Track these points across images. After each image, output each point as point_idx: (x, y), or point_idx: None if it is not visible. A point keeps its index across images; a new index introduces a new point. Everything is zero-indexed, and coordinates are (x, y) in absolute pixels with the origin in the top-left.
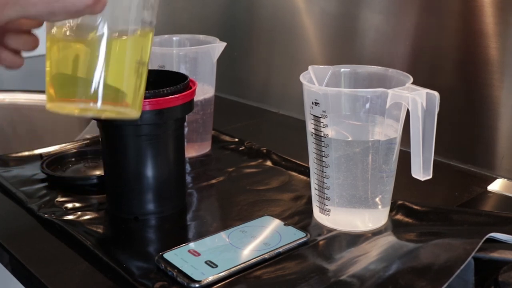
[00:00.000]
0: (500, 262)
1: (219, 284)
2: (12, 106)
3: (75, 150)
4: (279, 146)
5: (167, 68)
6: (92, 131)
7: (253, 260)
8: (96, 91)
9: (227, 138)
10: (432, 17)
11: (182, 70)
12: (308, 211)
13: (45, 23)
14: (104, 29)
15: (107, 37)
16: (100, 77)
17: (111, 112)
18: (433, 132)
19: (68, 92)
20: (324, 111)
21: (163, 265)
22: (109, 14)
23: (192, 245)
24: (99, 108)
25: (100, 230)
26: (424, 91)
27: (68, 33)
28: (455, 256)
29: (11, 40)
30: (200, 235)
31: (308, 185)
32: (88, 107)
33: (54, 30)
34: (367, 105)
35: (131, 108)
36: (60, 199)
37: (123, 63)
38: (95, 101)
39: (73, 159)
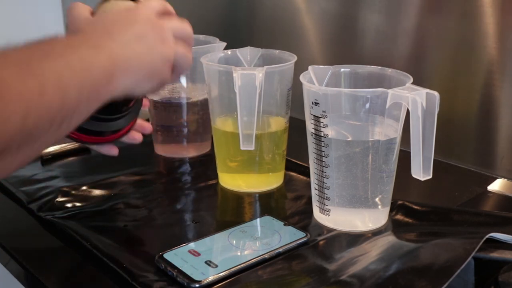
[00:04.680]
0: (500, 262)
1: (219, 284)
2: None
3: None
4: None
5: None
6: None
7: (253, 260)
8: None
9: None
10: (432, 17)
11: None
12: (308, 211)
13: None
14: None
15: None
16: None
17: None
18: (433, 132)
19: None
20: (324, 111)
21: (163, 265)
22: None
23: (192, 245)
24: None
25: (100, 230)
26: (424, 91)
27: None
28: (455, 256)
29: None
30: (200, 235)
31: (308, 185)
32: None
33: None
34: (367, 105)
35: None
36: (60, 199)
37: None
38: None
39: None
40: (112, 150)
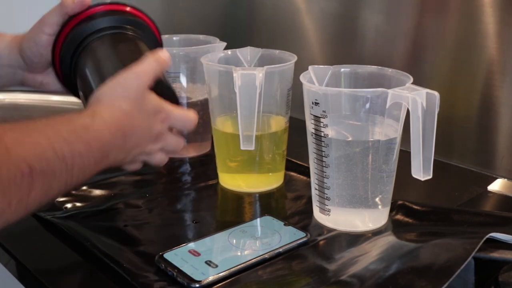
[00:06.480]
0: (500, 262)
1: (219, 284)
2: (12, 106)
3: None
4: None
5: (167, 69)
6: None
7: (253, 260)
8: None
9: None
10: (432, 17)
11: (182, 70)
12: (308, 211)
13: None
14: None
15: None
16: None
17: None
18: (433, 132)
19: None
20: (324, 111)
21: (163, 265)
22: None
23: (192, 245)
24: None
25: (100, 230)
26: (424, 91)
27: None
28: (455, 256)
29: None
30: (200, 235)
31: (308, 185)
32: None
33: None
34: (367, 105)
35: None
36: (60, 199)
37: None
38: None
39: None
40: None
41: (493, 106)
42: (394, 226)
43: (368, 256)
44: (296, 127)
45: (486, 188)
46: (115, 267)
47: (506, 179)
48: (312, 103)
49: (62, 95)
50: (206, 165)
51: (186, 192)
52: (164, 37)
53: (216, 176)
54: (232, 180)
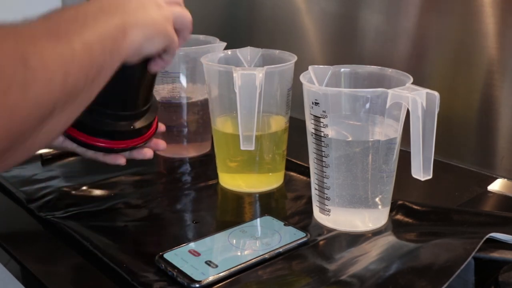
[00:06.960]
0: (500, 262)
1: (219, 284)
2: None
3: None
4: None
5: (167, 68)
6: None
7: (253, 260)
8: None
9: None
10: (432, 17)
11: (182, 70)
12: (308, 211)
13: None
14: None
15: None
16: None
17: None
18: (433, 132)
19: None
20: (324, 111)
21: (163, 265)
22: None
23: (192, 245)
24: None
25: (100, 230)
26: (424, 91)
27: None
28: (455, 256)
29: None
30: (200, 235)
31: (308, 185)
32: None
33: None
34: (367, 105)
35: None
36: (60, 199)
37: None
38: None
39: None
40: (118, 159)
41: (493, 106)
42: (394, 226)
43: (368, 256)
44: (296, 127)
45: (486, 188)
46: (115, 267)
47: (506, 179)
48: (312, 103)
49: None
50: (206, 165)
51: (186, 192)
52: None
53: (216, 176)
54: (232, 180)
